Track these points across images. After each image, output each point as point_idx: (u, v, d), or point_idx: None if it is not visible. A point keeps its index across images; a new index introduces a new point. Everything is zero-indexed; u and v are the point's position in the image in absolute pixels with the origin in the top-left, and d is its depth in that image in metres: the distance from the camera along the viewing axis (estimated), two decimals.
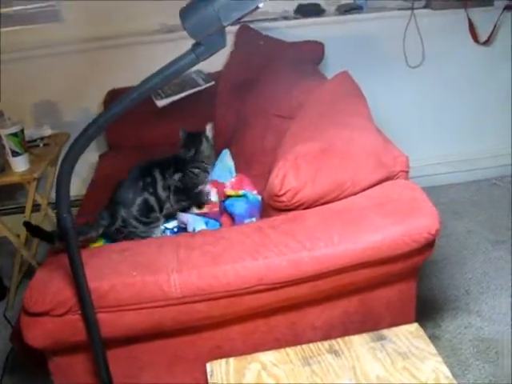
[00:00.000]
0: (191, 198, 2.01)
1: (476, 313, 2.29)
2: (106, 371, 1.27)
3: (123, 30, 2.95)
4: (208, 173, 2.08)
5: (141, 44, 2.97)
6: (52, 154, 2.61)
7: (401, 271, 1.50)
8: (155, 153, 2.63)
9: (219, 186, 2.09)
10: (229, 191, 2.01)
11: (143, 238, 1.83)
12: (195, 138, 2.07)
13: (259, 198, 1.90)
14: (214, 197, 2.07)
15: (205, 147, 2.06)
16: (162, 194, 1.92)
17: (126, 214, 1.85)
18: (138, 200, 1.87)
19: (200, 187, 2.04)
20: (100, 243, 1.92)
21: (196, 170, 2.03)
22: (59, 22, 2.95)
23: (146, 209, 1.88)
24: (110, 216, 1.85)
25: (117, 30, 2.94)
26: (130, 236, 1.85)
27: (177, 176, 1.97)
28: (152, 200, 1.89)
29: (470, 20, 3.01)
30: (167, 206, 1.94)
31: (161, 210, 1.92)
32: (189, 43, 0.99)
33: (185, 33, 0.95)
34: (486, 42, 3.08)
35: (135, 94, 1.01)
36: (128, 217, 1.85)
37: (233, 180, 2.08)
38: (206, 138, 2.07)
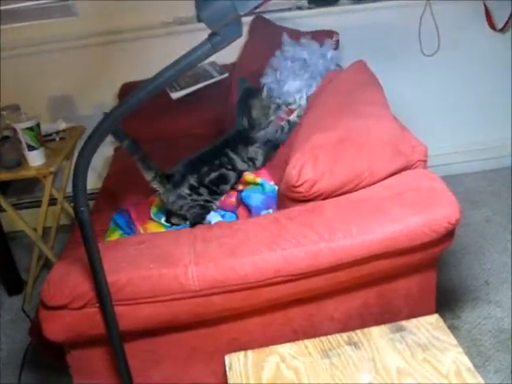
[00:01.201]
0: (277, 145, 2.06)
1: (496, 303, 2.27)
2: (124, 364, 1.27)
3: (137, 23, 2.95)
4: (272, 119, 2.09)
5: (154, 37, 2.97)
6: (68, 147, 2.61)
7: (420, 262, 1.48)
8: (170, 145, 2.64)
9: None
10: (248, 176, 1.99)
11: (202, 208, 1.90)
12: (245, 105, 2.08)
13: (276, 188, 1.89)
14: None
15: (255, 114, 2.04)
16: (245, 165, 2.00)
17: (197, 181, 1.91)
18: (213, 174, 1.93)
19: (279, 131, 2.08)
20: (115, 236, 1.93)
21: (267, 129, 2.05)
22: (73, 17, 2.95)
23: (221, 181, 1.95)
24: (178, 180, 1.90)
25: (130, 23, 2.94)
26: (187, 207, 1.90)
27: (252, 149, 2.02)
28: (231, 174, 1.97)
29: (486, 7, 2.97)
30: (253, 167, 2.02)
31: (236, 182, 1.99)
32: (202, 35, 0.98)
33: (198, 25, 0.94)
34: (503, 29, 3.03)
35: (151, 85, 1.01)
36: (198, 184, 1.91)
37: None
38: (255, 104, 2.05)
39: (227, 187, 1.97)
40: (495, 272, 2.45)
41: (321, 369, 1.27)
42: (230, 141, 2.04)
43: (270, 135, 2.05)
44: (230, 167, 1.96)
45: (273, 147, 2.05)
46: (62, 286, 1.31)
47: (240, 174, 1.98)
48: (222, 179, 1.95)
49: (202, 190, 1.91)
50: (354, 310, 1.51)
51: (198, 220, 1.88)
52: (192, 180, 1.90)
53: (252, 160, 2.01)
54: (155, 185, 1.88)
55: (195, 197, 1.90)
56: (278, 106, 2.13)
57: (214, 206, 1.94)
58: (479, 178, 3.24)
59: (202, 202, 1.91)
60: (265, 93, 2.06)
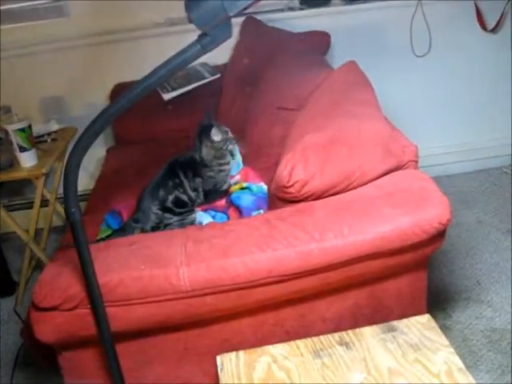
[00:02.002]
0: (221, 194, 2.02)
1: (487, 303, 2.27)
2: (115, 365, 1.26)
3: (128, 23, 2.95)
4: (224, 170, 2.03)
5: (146, 38, 2.97)
6: (59, 148, 2.61)
7: (411, 262, 1.48)
8: (162, 146, 2.64)
9: None
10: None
11: (181, 226, 1.87)
12: (199, 140, 2.02)
13: (265, 188, 1.89)
14: None
15: (205, 153, 1.99)
16: (192, 194, 1.95)
17: (160, 209, 1.89)
18: (171, 197, 1.90)
19: (224, 185, 2.02)
20: (108, 232, 1.93)
21: (211, 173, 2.00)
22: (65, 18, 2.94)
23: (180, 203, 1.92)
24: (143, 217, 1.89)
25: (122, 24, 2.93)
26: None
27: (197, 180, 1.97)
28: (184, 197, 1.93)
29: (477, 7, 2.98)
30: (198, 202, 1.98)
31: (193, 205, 1.96)
32: (194, 36, 0.98)
33: (190, 26, 0.94)
34: (494, 30, 3.04)
35: (142, 86, 1.00)
36: (161, 211, 1.89)
37: (238, 174, 2.06)
38: (207, 144, 1.99)
39: (188, 209, 1.94)
40: (487, 272, 2.46)
41: (312, 369, 1.28)
42: (181, 163, 1.99)
43: (212, 183, 2.01)
44: (181, 190, 1.93)
45: (214, 195, 2.02)
46: (53, 287, 1.30)
47: (191, 200, 1.95)
48: (179, 202, 1.92)
49: (168, 215, 1.90)
50: (345, 310, 1.52)
51: None
52: (154, 208, 1.89)
53: (197, 191, 1.97)
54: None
55: (166, 221, 1.89)
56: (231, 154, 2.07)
57: (193, 218, 1.92)
58: (472, 178, 3.25)
59: (178, 223, 1.89)
60: (214, 134, 1.97)
